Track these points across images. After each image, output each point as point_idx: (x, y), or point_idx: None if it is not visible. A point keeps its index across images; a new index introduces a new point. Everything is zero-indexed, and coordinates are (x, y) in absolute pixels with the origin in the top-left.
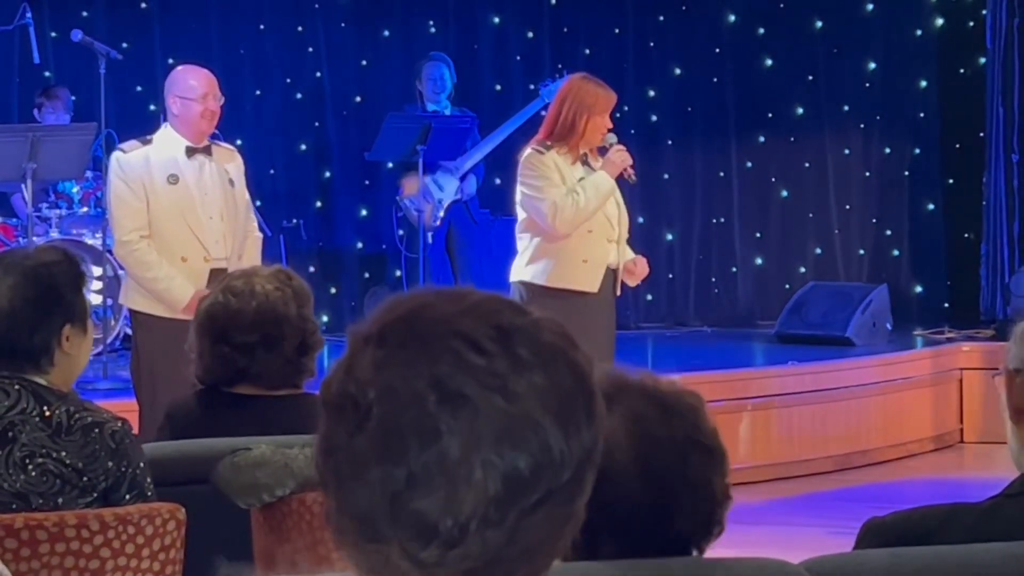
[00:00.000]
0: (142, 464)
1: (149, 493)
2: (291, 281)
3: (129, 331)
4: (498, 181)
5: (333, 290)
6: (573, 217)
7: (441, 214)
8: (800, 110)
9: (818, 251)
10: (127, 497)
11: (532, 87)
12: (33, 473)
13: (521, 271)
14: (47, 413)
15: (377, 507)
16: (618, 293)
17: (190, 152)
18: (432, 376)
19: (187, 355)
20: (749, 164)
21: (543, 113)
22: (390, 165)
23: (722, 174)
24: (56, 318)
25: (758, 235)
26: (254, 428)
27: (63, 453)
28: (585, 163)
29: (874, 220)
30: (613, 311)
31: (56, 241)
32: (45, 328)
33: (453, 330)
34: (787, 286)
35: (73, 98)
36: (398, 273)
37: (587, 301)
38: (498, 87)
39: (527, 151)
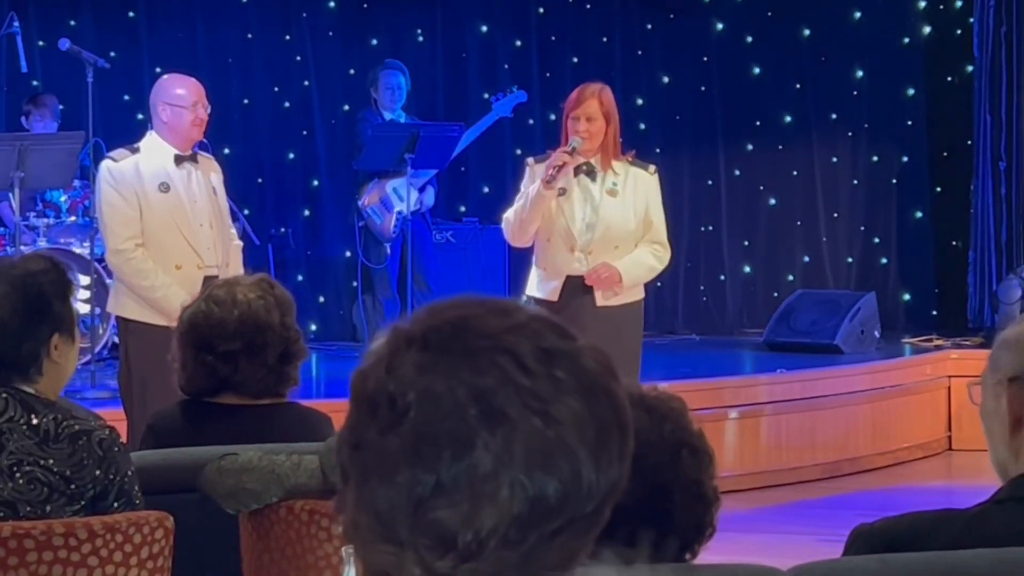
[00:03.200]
0: (130, 472)
1: (137, 501)
2: (273, 290)
3: (116, 340)
4: (486, 189)
5: (321, 299)
6: (511, 227)
7: (394, 223)
8: (788, 118)
9: (806, 259)
10: (115, 505)
11: (486, 96)
12: (21, 481)
13: None
14: (35, 421)
15: (399, 510)
16: (597, 303)
17: (178, 160)
18: (476, 388)
19: (170, 364)
20: (737, 172)
21: (528, 121)
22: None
23: (710, 182)
24: (44, 327)
25: (746, 243)
26: (237, 438)
27: (51, 461)
28: (588, 173)
29: (862, 228)
30: (603, 321)
31: (43, 250)
32: (33, 337)
33: (501, 345)
34: (775, 294)
35: (61, 106)
36: (354, 283)
37: (552, 309)
38: (486, 95)
39: None
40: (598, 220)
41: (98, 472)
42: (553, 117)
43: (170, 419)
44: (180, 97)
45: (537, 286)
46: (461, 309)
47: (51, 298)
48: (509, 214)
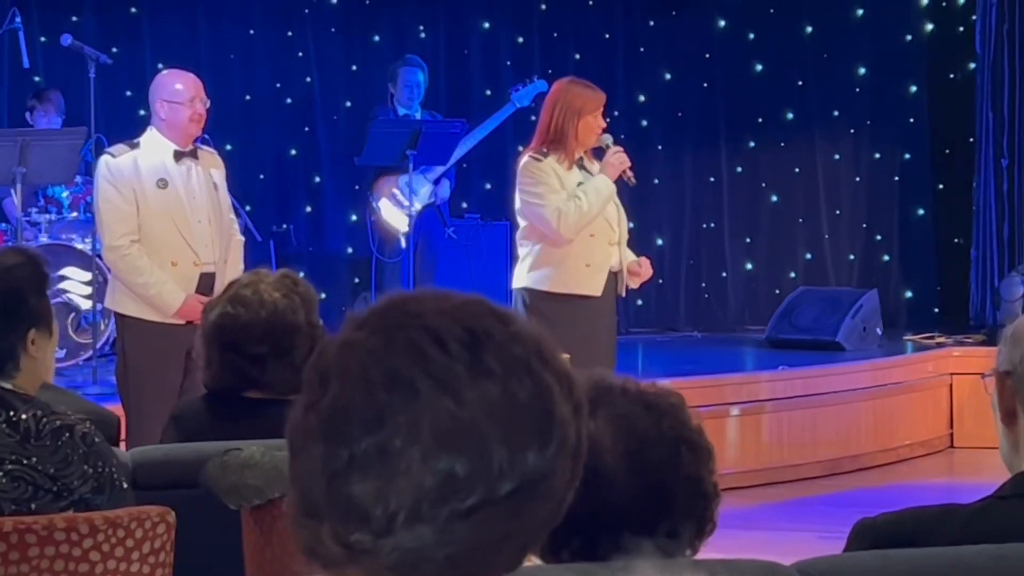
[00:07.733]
0: (115, 462)
1: (125, 485)
2: (297, 287)
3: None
4: (488, 186)
5: (323, 295)
6: (577, 222)
7: (412, 216)
8: (790, 115)
9: (808, 256)
10: (107, 497)
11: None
12: (4, 480)
13: (523, 278)
14: (15, 418)
15: (316, 484)
16: (621, 294)
17: (178, 156)
18: (388, 364)
19: (195, 362)
20: (739, 169)
21: (530, 118)
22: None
23: (712, 179)
24: (21, 323)
25: (748, 240)
26: (262, 432)
27: (34, 459)
28: (581, 167)
29: (864, 225)
30: (614, 313)
31: (20, 245)
32: (10, 334)
33: (423, 324)
34: (777, 291)
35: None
36: (356, 280)
37: (590, 304)
38: (488, 92)
39: (524, 159)
40: (619, 214)
41: (86, 467)
42: None
43: (195, 411)
44: (177, 93)
45: (582, 282)
46: (408, 295)
47: (27, 293)
48: (566, 210)
